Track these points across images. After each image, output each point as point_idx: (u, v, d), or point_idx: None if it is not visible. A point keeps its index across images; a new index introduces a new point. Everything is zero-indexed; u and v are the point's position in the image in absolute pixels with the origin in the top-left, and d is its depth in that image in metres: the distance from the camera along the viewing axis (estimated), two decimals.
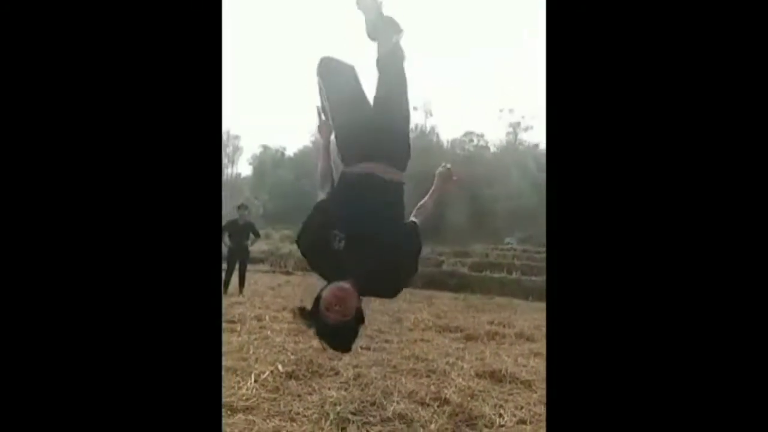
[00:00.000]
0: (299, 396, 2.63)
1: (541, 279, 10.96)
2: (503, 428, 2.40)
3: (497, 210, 31.14)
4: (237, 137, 69.49)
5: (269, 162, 59.07)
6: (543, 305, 8.95)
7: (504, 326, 5.64)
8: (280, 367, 3.08)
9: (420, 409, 2.52)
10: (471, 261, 13.88)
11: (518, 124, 49.93)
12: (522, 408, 2.69)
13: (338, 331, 1.57)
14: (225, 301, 6.44)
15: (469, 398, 2.76)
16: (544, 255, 14.48)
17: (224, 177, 63.83)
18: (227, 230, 7.41)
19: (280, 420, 2.27)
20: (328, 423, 2.29)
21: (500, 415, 2.54)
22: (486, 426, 2.41)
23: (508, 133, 47.48)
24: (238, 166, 60.93)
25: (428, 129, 54.45)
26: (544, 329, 5.52)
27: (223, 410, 2.27)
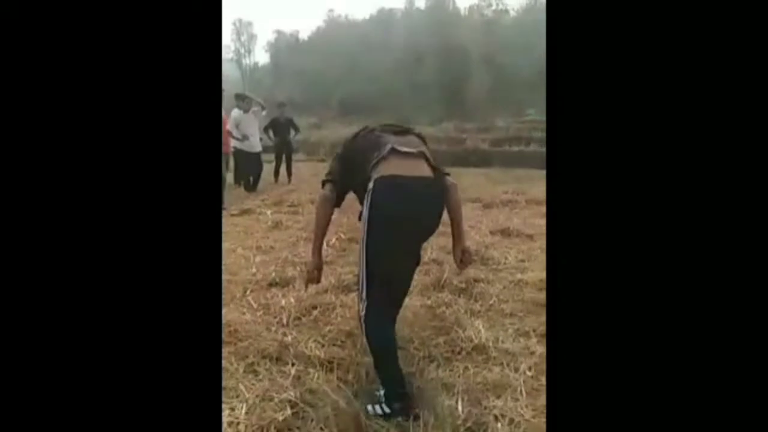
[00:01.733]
0: None
1: None
2: (507, 266, 3.41)
3: (519, 80, 30.67)
4: (249, 24, 66.75)
5: (285, 48, 57.52)
6: None
7: (518, 194, 6.57)
8: (342, 235, 4.13)
9: (446, 256, 3.54)
10: (491, 137, 14.55)
11: None
12: (522, 252, 3.71)
13: None
14: (280, 189, 7.56)
15: (483, 248, 3.77)
16: None
17: (242, 67, 62.45)
18: (271, 127, 8.38)
19: (350, 268, 3.31)
20: None
21: (506, 258, 3.56)
22: (496, 264, 3.43)
23: None
24: (255, 55, 59.31)
25: None
26: None
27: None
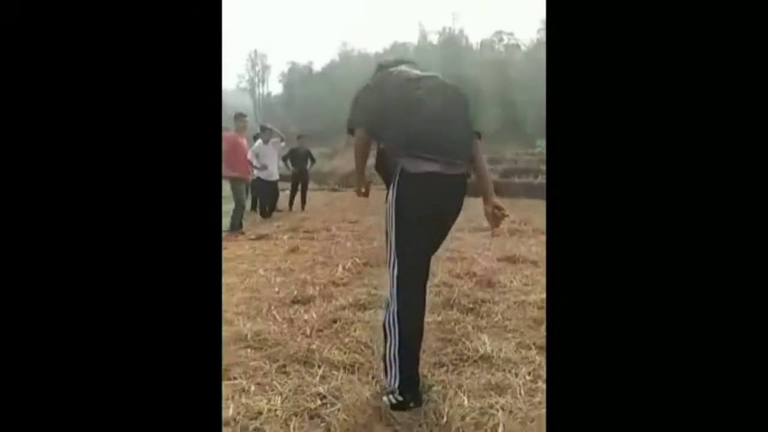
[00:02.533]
0: (377, 275, 3.93)
1: None
2: (512, 289, 3.64)
3: (529, 115, 31.16)
4: (264, 56, 68.29)
5: (298, 79, 58.72)
6: None
7: (524, 224, 6.82)
8: (357, 259, 4.39)
9: (456, 280, 3.78)
10: (501, 168, 14.87)
11: None
12: (526, 277, 3.94)
13: None
14: (295, 216, 7.87)
15: (490, 273, 4.01)
16: None
17: (255, 96, 63.59)
18: (289, 157, 8.80)
19: (365, 289, 3.55)
20: None
21: (511, 282, 3.79)
22: (502, 287, 3.66)
23: (538, 30, 46.15)
24: (269, 85, 60.58)
25: (456, 32, 53.04)
26: None
27: (327, 288, 3.56)
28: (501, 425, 1.63)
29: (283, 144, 8.31)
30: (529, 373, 2.04)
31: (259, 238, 5.85)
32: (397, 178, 1.77)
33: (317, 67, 59.38)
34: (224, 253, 4.88)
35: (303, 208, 8.91)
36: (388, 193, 1.81)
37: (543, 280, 3.79)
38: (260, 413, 1.67)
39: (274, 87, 59.58)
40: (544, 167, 14.29)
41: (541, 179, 13.09)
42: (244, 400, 1.77)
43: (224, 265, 4.28)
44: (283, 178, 8.44)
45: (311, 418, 1.67)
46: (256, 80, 64.95)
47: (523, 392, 1.87)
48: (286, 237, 5.88)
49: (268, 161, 7.70)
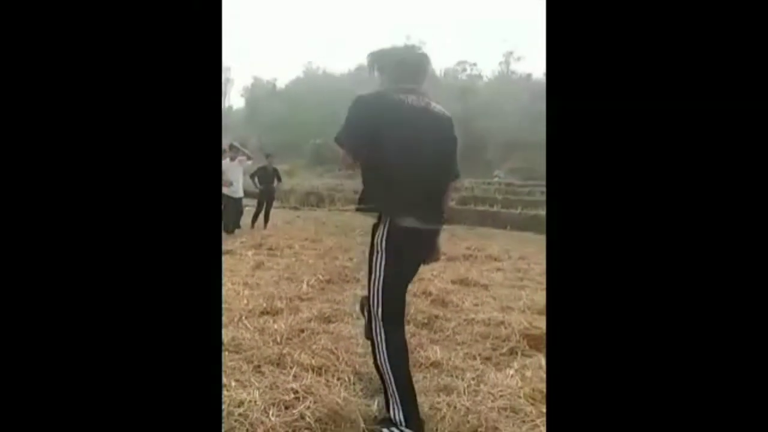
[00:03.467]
0: (338, 291, 4.20)
1: (516, 212, 12.66)
2: (463, 309, 3.99)
3: (489, 142, 31.94)
4: (228, 69, 67.49)
5: (261, 94, 58.35)
6: (516, 234, 10.62)
7: (478, 250, 7.23)
8: (320, 276, 4.66)
9: (414, 298, 4.09)
10: (458, 195, 15.38)
11: (510, 53, 50.01)
12: (477, 298, 4.30)
13: None
14: (259, 233, 8.08)
15: (444, 293, 4.35)
16: (525, 189, 16.11)
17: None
18: (257, 175, 9.09)
19: (329, 303, 3.82)
20: (357, 306, 3.86)
21: (462, 302, 4.14)
22: (455, 306, 4.00)
23: (500, 63, 47.94)
24: (230, 99, 59.87)
25: None
26: (509, 252, 7.20)
27: (293, 302, 3.81)
28: (447, 418, 1.95)
29: (250, 162, 8.53)
30: (473, 378, 2.37)
31: (225, 253, 6.03)
32: (387, 227, 1.85)
33: (281, 84, 59.18)
34: None
35: (265, 225, 9.10)
36: (375, 235, 1.89)
37: (492, 302, 4.17)
38: (242, 403, 1.93)
39: (236, 101, 58.80)
40: (500, 197, 14.97)
41: (497, 208, 13.66)
42: (226, 392, 2.02)
43: None
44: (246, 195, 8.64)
45: (286, 408, 1.94)
46: None
47: (466, 393, 2.19)
48: (250, 253, 6.10)
49: (234, 178, 7.90)
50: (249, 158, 8.44)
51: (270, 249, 6.52)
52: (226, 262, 5.51)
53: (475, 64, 50.37)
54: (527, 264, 6.29)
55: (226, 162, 7.81)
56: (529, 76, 43.80)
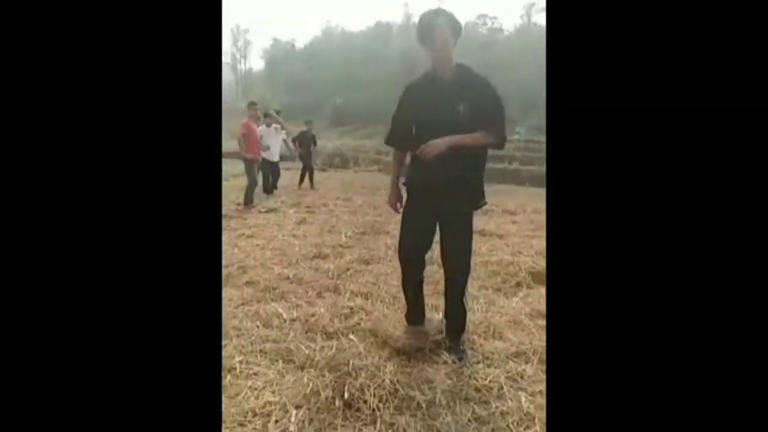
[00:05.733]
0: (372, 240, 4.92)
1: (536, 168, 13.14)
2: (480, 254, 4.66)
3: (510, 99, 31.65)
4: (246, 31, 67.34)
5: (280, 55, 58.24)
6: (534, 190, 11.15)
7: (496, 206, 7.86)
8: (355, 229, 5.38)
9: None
10: None
11: (533, 5, 48.95)
12: (493, 246, 4.97)
13: None
14: (295, 194, 8.86)
15: None
16: (544, 146, 16.46)
17: (237, 72, 62.84)
18: (298, 139, 10.12)
19: (366, 250, 4.52)
20: (391, 253, 4.57)
21: (480, 248, 4.81)
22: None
23: (521, 16, 46.98)
24: (250, 61, 60.03)
25: None
26: (525, 207, 7.81)
27: (336, 249, 4.53)
28: (466, 327, 2.66)
29: (284, 132, 9.27)
30: (486, 303, 3.07)
31: (269, 211, 6.80)
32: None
33: (300, 44, 58.89)
34: (245, 222, 5.83)
35: (312, 185, 10.03)
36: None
37: (505, 248, 4.83)
38: (314, 315, 2.68)
39: (256, 63, 58.84)
40: (519, 154, 15.39)
41: (516, 165, 14.13)
42: (298, 308, 2.77)
43: (249, 231, 5.25)
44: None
45: (345, 318, 2.68)
46: (238, 56, 64.54)
47: (480, 311, 2.89)
48: (291, 211, 6.86)
49: (271, 143, 8.62)
50: (283, 128, 9.17)
51: (308, 207, 7.28)
52: (272, 218, 6.28)
53: (495, 18, 49.63)
54: (541, 217, 6.89)
55: (263, 128, 8.48)
56: None
